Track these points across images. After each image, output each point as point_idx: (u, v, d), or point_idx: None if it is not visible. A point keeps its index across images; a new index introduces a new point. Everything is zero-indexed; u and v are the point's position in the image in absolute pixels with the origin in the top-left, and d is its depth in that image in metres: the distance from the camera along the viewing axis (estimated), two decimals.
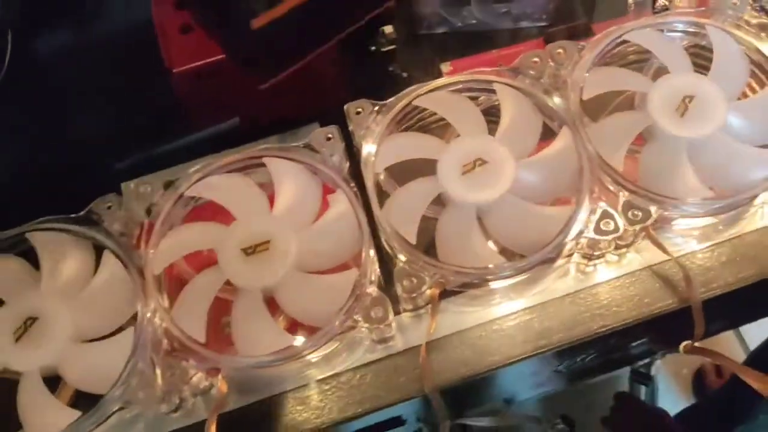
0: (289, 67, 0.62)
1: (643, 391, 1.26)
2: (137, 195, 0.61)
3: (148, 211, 0.60)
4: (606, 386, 1.25)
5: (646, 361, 1.14)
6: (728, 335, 1.43)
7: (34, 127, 0.78)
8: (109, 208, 0.61)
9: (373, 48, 0.77)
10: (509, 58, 0.66)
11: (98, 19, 0.84)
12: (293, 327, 0.59)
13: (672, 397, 1.39)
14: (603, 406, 1.02)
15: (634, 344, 0.72)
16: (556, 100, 0.62)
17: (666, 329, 0.63)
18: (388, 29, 0.75)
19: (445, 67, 0.72)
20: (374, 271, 0.57)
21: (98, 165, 0.75)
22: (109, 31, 0.82)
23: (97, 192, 0.62)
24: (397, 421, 0.70)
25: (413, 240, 0.57)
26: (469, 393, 0.63)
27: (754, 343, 1.36)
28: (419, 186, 0.59)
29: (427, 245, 0.59)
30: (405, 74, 0.77)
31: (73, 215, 0.60)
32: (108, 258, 0.59)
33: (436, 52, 0.76)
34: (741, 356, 1.37)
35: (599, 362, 0.75)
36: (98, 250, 0.60)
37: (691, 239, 0.60)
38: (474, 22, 0.80)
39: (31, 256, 0.60)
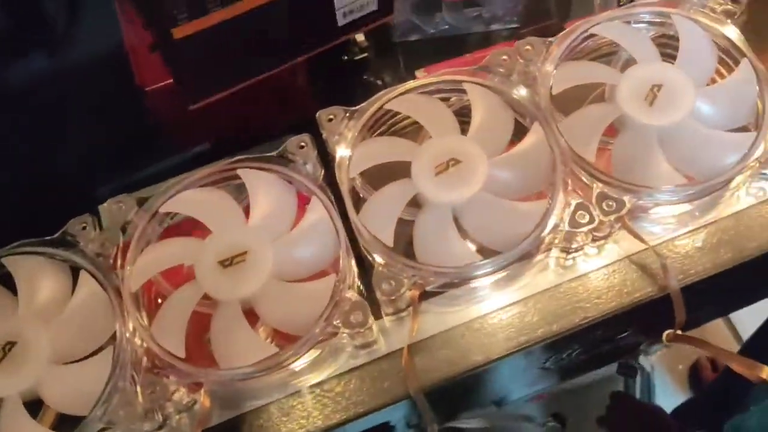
0: (222, 89, 0.60)
1: (638, 388, 1.26)
2: (111, 214, 0.61)
3: (123, 230, 0.60)
4: (600, 385, 1.25)
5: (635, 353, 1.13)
6: (719, 325, 1.43)
7: (9, 153, 0.78)
8: (84, 228, 0.60)
9: (346, 57, 0.77)
10: (483, 60, 0.66)
11: (70, 43, 0.84)
12: (274, 337, 0.59)
13: (668, 393, 1.39)
14: (597, 404, 1.02)
15: (620, 336, 0.72)
16: (526, 96, 0.62)
17: (649, 319, 0.63)
18: (360, 38, 0.76)
19: (420, 73, 0.72)
20: (353, 276, 0.57)
21: (77, 189, 0.74)
22: (82, 54, 0.82)
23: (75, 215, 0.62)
24: (386, 428, 0.70)
25: (390, 243, 0.57)
26: (456, 394, 0.62)
27: (746, 333, 1.36)
28: (394, 189, 0.59)
29: (405, 248, 0.59)
30: (379, 82, 0.77)
31: (48, 238, 0.60)
32: (84, 279, 0.58)
33: (410, 59, 0.77)
34: (734, 346, 1.37)
35: (588, 357, 0.74)
36: (75, 272, 0.60)
37: (668, 227, 0.60)
38: (446, 27, 0.80)
39: (8, 281, 0.60)
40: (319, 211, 0.59)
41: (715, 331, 1.42)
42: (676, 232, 0.60)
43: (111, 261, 0.60)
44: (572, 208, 0.56)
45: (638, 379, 1.24)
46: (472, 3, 0.79)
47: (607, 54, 0.67)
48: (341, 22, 0.63)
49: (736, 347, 1.38)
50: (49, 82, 0.82)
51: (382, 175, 0.61)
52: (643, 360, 1.25)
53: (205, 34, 0.56)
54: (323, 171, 0.62)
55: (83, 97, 0.79)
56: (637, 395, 1.25)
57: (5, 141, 0.78)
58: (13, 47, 0.83)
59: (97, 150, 0.78)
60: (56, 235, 0.60)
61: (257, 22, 0.59)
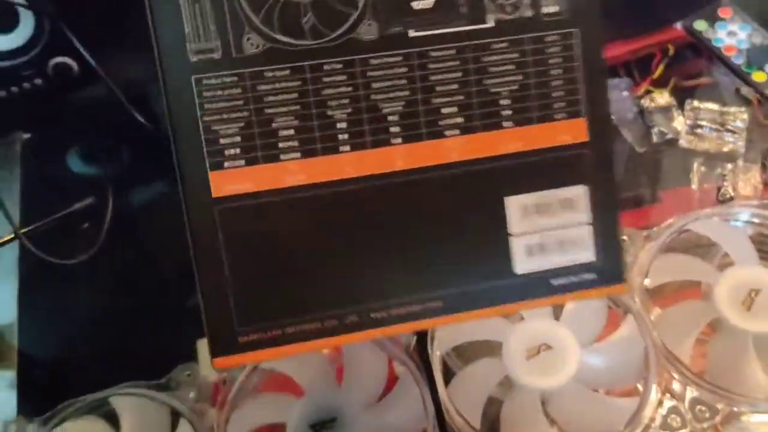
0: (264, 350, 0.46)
1: None
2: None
3: (224, 380, 0.64)
4: None
5: None
6: None
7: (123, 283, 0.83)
8: (188, 375, 0.64)
9: None
10: None
11: None
12: None
13: None
14: None
15: None
16: None
17: None
18: None
19: None
20: None
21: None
22: None
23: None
24: None
25: (477, 424, 0.57)
26: None
27: None
28: (484, 368, 0.60)
29: (491, 426, 0.59)
30: None
31: (154, 382, 0.64)
32: (183, 427, 0.62)
33: None
34: None
35: None
36: (175, 414, 0.63)
37: None
38: None
39: (113, 418, 0.64)
40: (409, 381, 0.61)
41: None
42: None
43: (210, 409, 0.63)
44: (665, 410, 0.56)
45: None
46: None
47: (702, 245, 0.67)
48: (521, 266, 0.41)
49: None
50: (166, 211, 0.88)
51: (472, 348, 0.63)
52: None
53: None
54: (414, 339, 0.64)
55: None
56: None
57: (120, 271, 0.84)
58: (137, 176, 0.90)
59: None
60: (162, 380, 0.64)
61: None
